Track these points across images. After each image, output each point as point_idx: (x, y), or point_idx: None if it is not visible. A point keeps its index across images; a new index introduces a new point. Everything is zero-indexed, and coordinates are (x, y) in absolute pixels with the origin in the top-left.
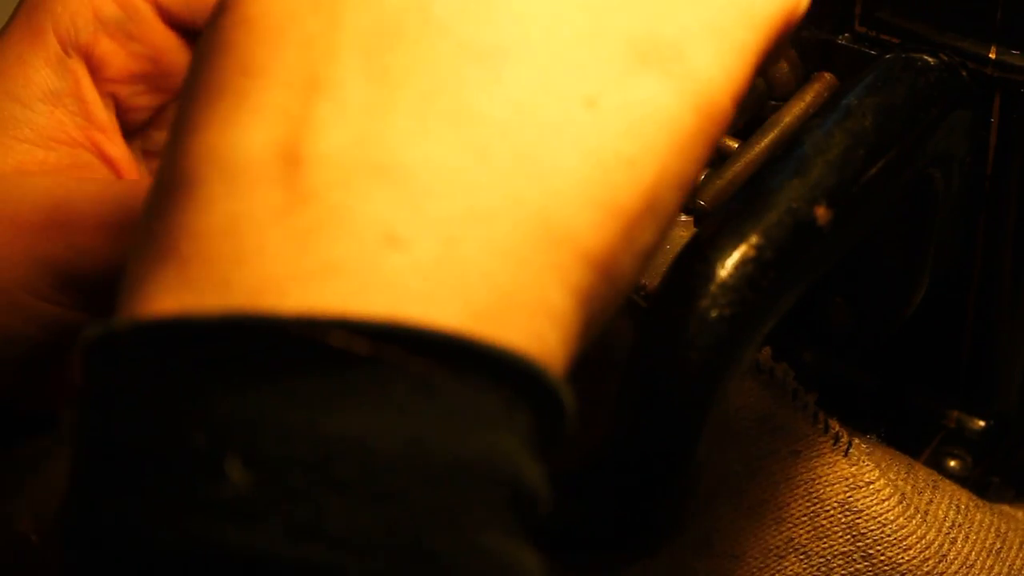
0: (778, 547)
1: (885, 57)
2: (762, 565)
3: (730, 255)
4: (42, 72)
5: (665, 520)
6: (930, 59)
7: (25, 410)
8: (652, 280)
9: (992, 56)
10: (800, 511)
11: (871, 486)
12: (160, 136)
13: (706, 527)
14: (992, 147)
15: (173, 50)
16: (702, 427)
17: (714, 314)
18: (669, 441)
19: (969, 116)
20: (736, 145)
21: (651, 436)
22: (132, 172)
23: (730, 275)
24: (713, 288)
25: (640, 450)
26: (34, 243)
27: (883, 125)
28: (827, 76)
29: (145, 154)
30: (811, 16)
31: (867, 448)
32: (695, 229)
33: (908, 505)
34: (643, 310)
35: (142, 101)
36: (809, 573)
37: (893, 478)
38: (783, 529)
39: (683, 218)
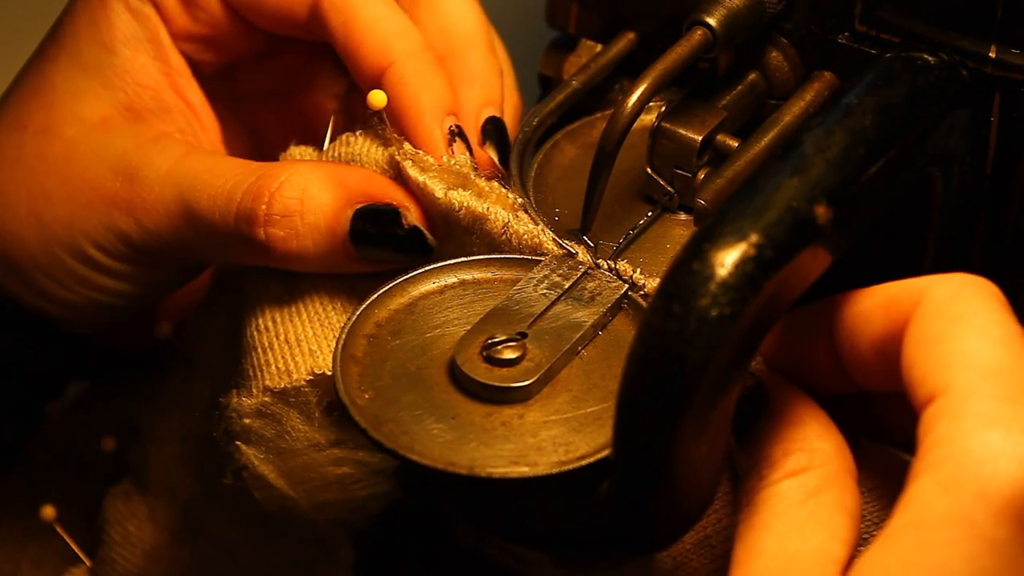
0: None
1: (885, 56)
2: None
3: (730, 254)
4: (123, 17)
5: (666, 519)
6: (930, 58)
7: (120, 347)
8: (652, 279)
9: (992, 55)
10: None
11: (872, 492)
12: (248, 81)
13: (706, 527)
14: (992, 147)
15: (229, 24)
16: (704, 426)
17: (714, 313)
18: (670, 440)
19: (969, 115)
20: (736, 144)
21: (652, 435)
22: (209, 117)
23: (730, 274)
24: (713, 287)
25: (641, 449)
26: (107, 211)
27: (883, 124)
28: (827, 75)
29: (235, 100)
30: (811, 14)
31: (870, 450)
32: (695, 228)
33: None
34: (643, 309)
35: (206, 57)
36: None
37: (896, 482)
38: None
39: (683, 217)
